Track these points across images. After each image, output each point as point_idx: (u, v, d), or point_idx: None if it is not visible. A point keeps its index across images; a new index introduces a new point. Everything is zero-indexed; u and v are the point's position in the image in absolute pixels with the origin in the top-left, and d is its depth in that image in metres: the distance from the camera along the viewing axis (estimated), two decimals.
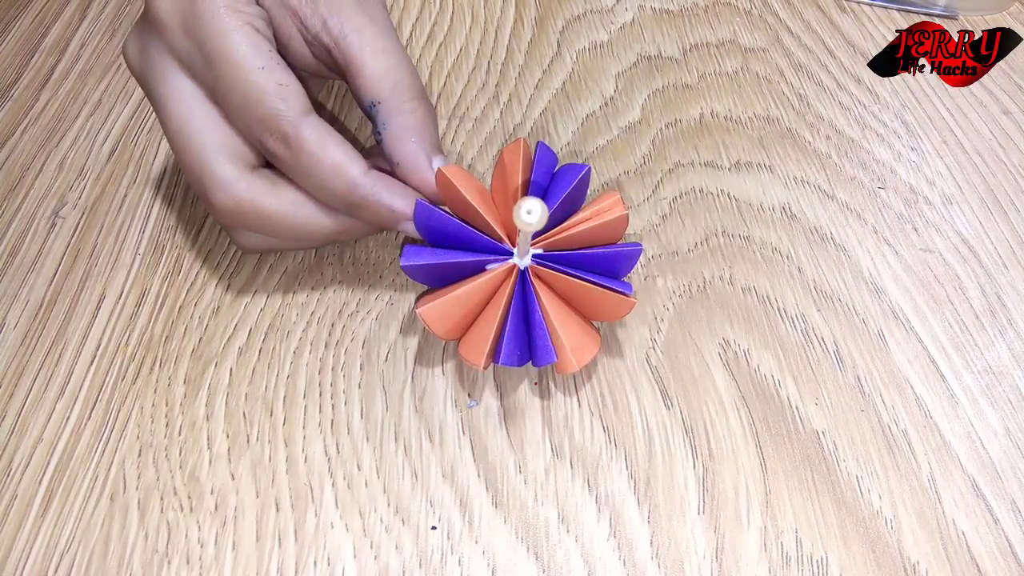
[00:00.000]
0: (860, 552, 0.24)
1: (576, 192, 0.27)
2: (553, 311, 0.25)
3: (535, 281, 0.25)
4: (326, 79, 0.31)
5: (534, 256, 0.26)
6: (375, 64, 0.26)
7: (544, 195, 0.27)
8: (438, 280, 0.26)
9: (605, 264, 0.26)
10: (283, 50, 0.27)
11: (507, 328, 0.24)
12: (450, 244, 0.26)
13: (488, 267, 0.25)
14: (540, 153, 0.27)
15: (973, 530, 0.24)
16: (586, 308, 0.26)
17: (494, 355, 0.24)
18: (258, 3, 0.26)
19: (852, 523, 0.24)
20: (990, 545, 0.24)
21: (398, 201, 0.25)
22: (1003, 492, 0.25)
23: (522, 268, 0.25)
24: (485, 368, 0.25)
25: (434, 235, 0.26)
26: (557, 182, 0.27)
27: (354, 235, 0.27)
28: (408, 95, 0.26)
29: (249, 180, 0.25)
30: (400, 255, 0.26)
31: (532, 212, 0.22)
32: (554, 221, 0.26)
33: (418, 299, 0.26)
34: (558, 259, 0.26)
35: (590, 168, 0.27)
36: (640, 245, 0.26)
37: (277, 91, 0.24)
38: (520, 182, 0.26)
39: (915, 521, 0.24)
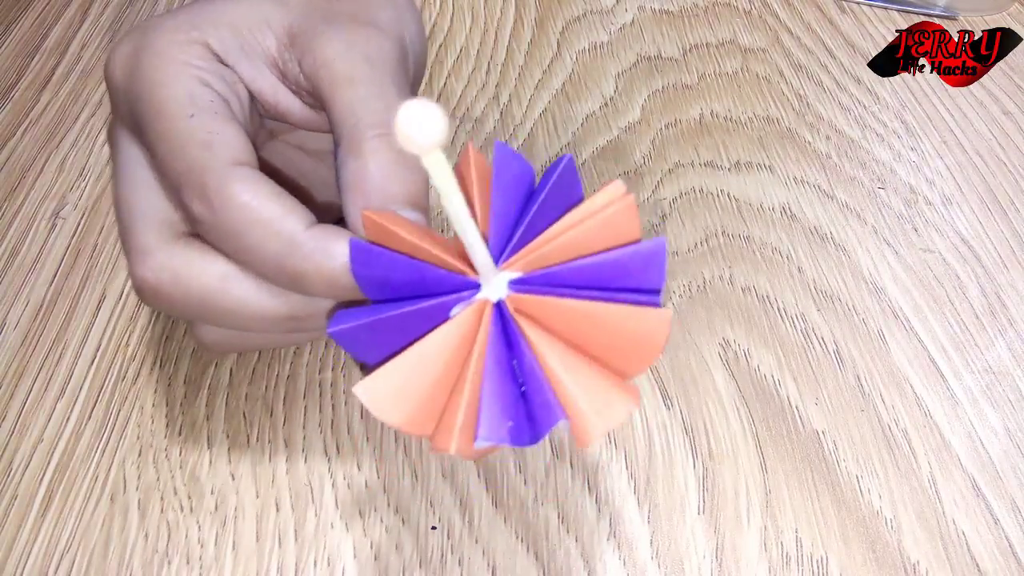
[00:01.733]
0: (860, 552, 0.24)
1: (556, 192, 0.19)
2: (552, 352, 0.17)
3: (519, 319, 0.17)
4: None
5: (511, 282, 0.18)
6: (339, 98, 0.20)
7: (517, 220, 0.19)
8: (386, 346, 0.18)
9: (620, 274, 0.18)
10: (274, 111, 0.23)
11: (485, 389, 0.17)
12: (401, 295, 0.18)
13: (452, 312, 0.18)
14: (499, 160, 0.19)
15: (973, 530, 0.24)
16: (603, 346, 0.17)
17: (474, 431, 0.17)
18: (222, 62, 0.21)
19: (852, 523, 0.24)
20: (990, 545, 0.24)
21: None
22: (1003, 492, 0.25)
23: (495, 301, 0.18)
24: (467, 454, 0.16)
25: (377, 288, 0.19)
26: (535, 194, 0.19)
27: (317, 322, 0.21)
28: (372, 131, 0.20)
29: (171, 250, 0.20)
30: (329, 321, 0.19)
31: (423, 119, 0.12)
32: (535, 231, 0.18)
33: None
34: (546, 280, 0.18)
35: (571, 157, 0.19)
36: (663, 238, 0.18)
37: (203, 139, 0.19)
38: (478, 206, 0.18)
39: (915, 521, 0.24)
